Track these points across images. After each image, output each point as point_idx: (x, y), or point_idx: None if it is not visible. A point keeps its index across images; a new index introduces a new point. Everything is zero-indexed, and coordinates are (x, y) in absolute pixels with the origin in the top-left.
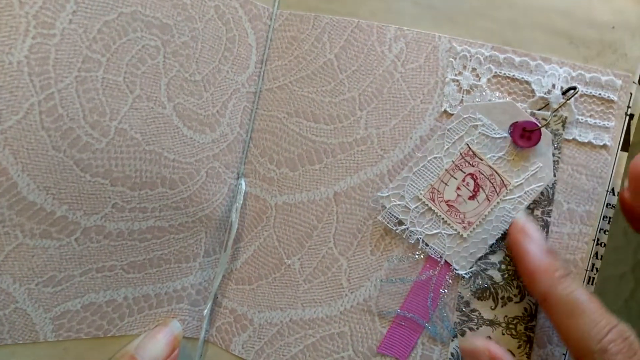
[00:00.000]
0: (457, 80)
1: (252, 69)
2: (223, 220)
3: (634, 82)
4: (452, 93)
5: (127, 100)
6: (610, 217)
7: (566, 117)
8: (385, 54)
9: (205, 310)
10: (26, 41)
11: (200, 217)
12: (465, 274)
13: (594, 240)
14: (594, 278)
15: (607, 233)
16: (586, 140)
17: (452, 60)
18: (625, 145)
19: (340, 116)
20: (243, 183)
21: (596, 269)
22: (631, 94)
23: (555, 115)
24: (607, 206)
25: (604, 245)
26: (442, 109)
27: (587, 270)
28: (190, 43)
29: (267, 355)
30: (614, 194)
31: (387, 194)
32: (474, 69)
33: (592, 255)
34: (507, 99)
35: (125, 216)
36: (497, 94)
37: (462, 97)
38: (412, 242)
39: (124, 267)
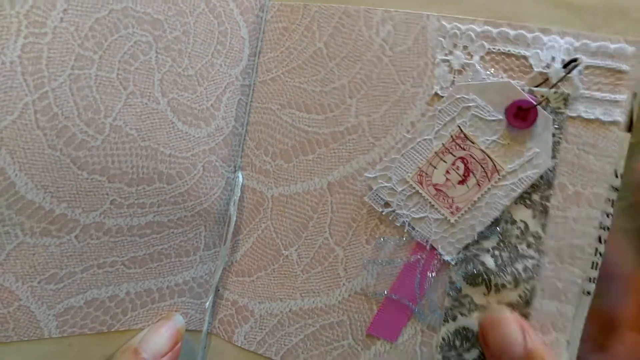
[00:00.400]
0: (448, 61)
1: (246, 62)
2: (222, 213)
3: None
4: (443, 74)
5: (121, 97)
6: (613, 200)
7: (568, 94)
8: (373, 38)
9: (207, 303)
10: (18, 41)
11: (199, 211)
12: (451, 260)
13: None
14: (597, 263)
15: (610, 216)
16: (593, 117)
17: (442, 39)
18: (629, 127)
19: (331, 105)
20: (240, 176)
21: (600, 253)
22: None
23: (555, 92)
24: (610, 188)
25: (608, 229)
26: (433, 92)
27: (590, 254)
28: (182, 38)
29: (268, 345)
30: (616, 176)
31: (374, 175)
32: (465, 47)
33: (596, 239)
34: (503, 77)
35: (124, 212)
36: (492, 71)
37: (454, 77)
38: (398, 225)
39: (125, 263)
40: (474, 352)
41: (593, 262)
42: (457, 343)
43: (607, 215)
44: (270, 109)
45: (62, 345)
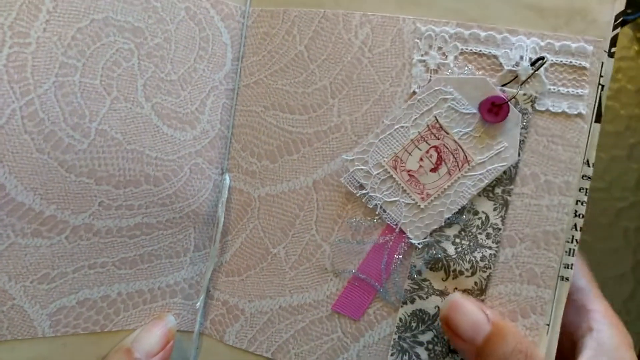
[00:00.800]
0: (424, 61)
1: (229, 67)
2: (210, 215)
3: (604, 52)
4: (419, 74)
5: (105, 102)
6: (587, 189)
7: (535, 97)
8: (352, 41)
9: (198, 304)
10: (3, 51)
11: (188, 213)
12: (419, 243)
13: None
14: (574, 250)
15: (584, 204)
16: (560, 110)
17: (418, 41)
18: (598, 117)
19: (313, 105)
20: (227, 178)
21: (576, 240)
22: (602, 62)
23: (524, 94)
24: (582, 177)
25: (582, 216)
26: (411, 91)
27: (567, 241)
28: (163, 44)
29: (259, 342)
30: (589, 165)
31: (351, 158)
32: (439, 48)
33: (571, 227)
34: (478, 75)
35: (112, 214)
36: (468, 67)
37: (430, 77)
38: (371, 207)
39: (115, 264)
40: (429, 335)
41: (570, 249)
42: (413, 325)
43: (582, 204)
44: (255, 111)
45: (56, 345)
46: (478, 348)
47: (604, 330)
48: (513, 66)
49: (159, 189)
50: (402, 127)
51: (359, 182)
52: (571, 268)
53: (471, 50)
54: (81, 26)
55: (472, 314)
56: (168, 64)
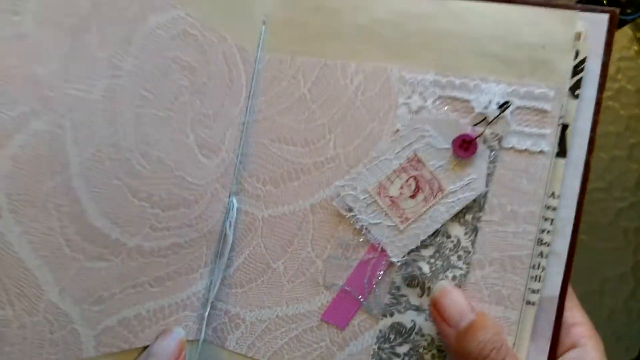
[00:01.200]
0: (407, 103)
1: (242, 103)
2: (219, 233)
3: (566, 95)
4: (403, 114)
5: (166, 132)
6: (552, 219)
7: (502, 136)
8: (348, 86)
9: (206, 314)
10: (102, 82)
11: (205, 232)
12: (398, 261)
13: (538, 238)
14: (540, 276)
15: (549, 233)
16: (524, 148)
17: (402, 87)
18: (562, 152)
19: (313, 140)
20: (234, 201)
21: (542, 267)
22: (562, 105)
23: (492, 133)
24: (547, 208)
25: (549, 245)
26: (395, 128)
27: (532, 267)
28: (207, 83)
29: (257, 348)
30: (554, 197)
31: (342, 184)
32: (420, 93)
33: (537, 254)
34: (451, 116)
35: (157, 235)
36: (444, 109)
37: (412, 117)
38: (358, 227)
39: (151, 282)
40: (405, 347)
41: (537, 276)
42: (392, 337)
43: (547, 232)
44: (262, 143)
45: None
46: (459, 332)
47: (590, 349)
48: (483, 109)
49: (190, 211)
50: (386, 159)
51: (348, 205)
52: (537, 293)
53: (447, 95)
54: (158, 62)
55: (459, 301)
56: (207, 100)
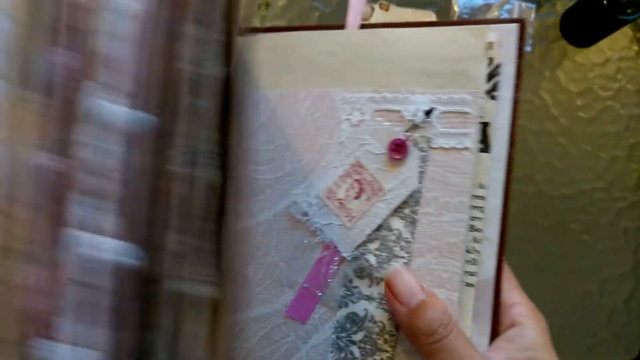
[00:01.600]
0: (349, 119)
1: None
2: None
3: (483, 97)
4: (346, 128)
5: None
6: (481, 207)
7: (430, 138)
8: (300, 109)
9: None
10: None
11: None
12: (348, 256)
13: (470, 225)
14: (476, 259)
15: (481, 220)
16: (451, 146)
17: (344, 105)
18: (486, 148)
19: (274, 158)
20: None
21: (477, 251)
22: (480, 106)
23: (422, 136)
24: (475, 197)
25: (481, 231)
26: (340, 141)
27: (467, 251)
28: None
29: (234, 349)
30: (482, 187)
31: (298, 192)
32: (360, 109)
33: (471, 240)
34: (386, 125)
35: None
36: (379, 120)
37: (354, 129)
38: (313, 229)
39: None
40: (360, 334)
41: (472, 259)
42: (348, 326)
43: (478, 219)
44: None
45: None
46: (410, 310)
47: (528, 327)
48: (412, 117)
49: None
50: (333, 167)
51: (303, 210)
52: (474, 275)
53: (382, 108)
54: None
55: (410, 281)
56: None
